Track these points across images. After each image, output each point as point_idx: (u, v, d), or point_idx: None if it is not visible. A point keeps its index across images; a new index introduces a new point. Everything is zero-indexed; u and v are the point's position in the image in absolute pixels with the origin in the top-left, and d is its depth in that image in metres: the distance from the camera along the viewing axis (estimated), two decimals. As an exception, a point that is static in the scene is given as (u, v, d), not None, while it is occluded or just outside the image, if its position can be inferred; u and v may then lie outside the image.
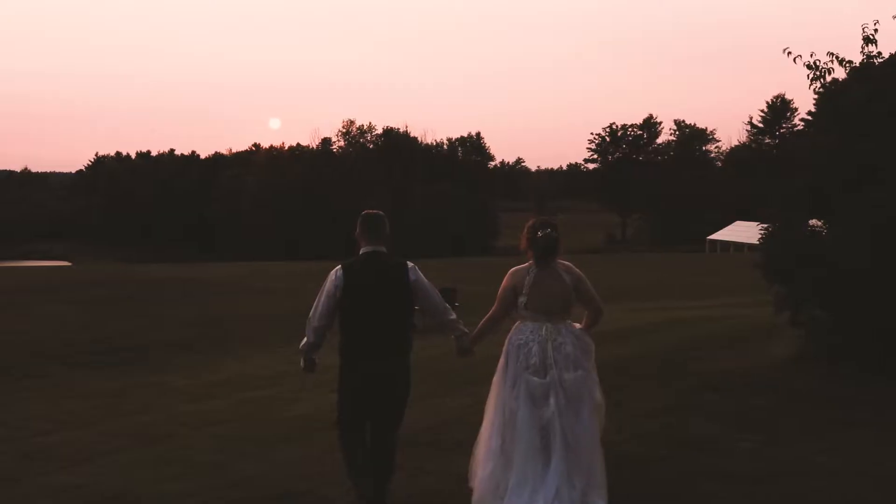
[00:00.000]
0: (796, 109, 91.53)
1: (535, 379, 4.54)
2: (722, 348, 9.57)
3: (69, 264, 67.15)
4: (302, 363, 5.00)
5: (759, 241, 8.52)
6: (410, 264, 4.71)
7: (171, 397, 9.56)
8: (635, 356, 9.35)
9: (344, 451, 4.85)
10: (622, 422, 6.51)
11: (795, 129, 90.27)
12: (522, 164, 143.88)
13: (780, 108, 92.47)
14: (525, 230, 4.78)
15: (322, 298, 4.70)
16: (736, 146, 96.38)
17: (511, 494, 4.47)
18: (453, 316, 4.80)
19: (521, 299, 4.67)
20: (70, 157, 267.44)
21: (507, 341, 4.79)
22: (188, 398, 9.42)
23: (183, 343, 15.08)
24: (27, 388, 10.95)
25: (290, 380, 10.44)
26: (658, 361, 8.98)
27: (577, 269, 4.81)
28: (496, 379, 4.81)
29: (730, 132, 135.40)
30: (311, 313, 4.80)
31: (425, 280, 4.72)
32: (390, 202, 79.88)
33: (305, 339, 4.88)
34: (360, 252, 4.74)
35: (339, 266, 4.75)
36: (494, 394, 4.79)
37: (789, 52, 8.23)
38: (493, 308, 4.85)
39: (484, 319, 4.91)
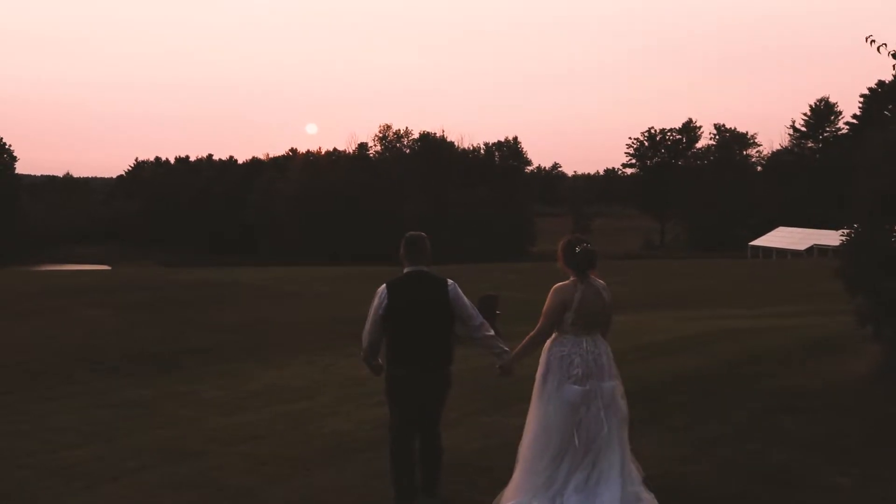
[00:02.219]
0: (840, 113, 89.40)
1: (576, 387, 4.70)
2: (790, 363, 8.75)
3: (108, 268, 67.91)
4: (368, 369, 5.27)
5: (839, 247, 7.78)
6: (450, 282, 4.98)
7: (203, 409, 9.13)
8: (696, 371, 8.61)
9: (392, 452, 5.08)
10: (694, 449, 5.84)
11: (840, 132, 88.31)
12: (559, 168, 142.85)
13: (823, 111, 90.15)
14: (560, 249, 4.92)
15: (370, 314, 5.02)
16: (778, 150, 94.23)
17: (538, 494, 4.65)
18: (491, 332, 5.00)
19: (569, 315, 4.77)
20: (110, 162, 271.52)
21: (545, 354, 4.89)
22: (220, 410, 8.97)
23: (217, 350, 14.71)
24: (57, 397, 10.65)
25: (326, 391, 9.98)
26: (723, 377, 8.22)
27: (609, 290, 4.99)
28: (535, 391, 4.91)
29: (771, 136, 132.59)
30: (364, 328, 5.10)
31: (464, 297, 4.98)
32: (427, 207, 79.71)
33: (363, 351, 5.18)
34: (405, 271, 5.04)
35: (385, 284, 5.04)
36: (534, 405, 4.92)
37: (872, 41, 7.49)
38: (540, 324, 4.89)
39: (529, 336, 4.95)
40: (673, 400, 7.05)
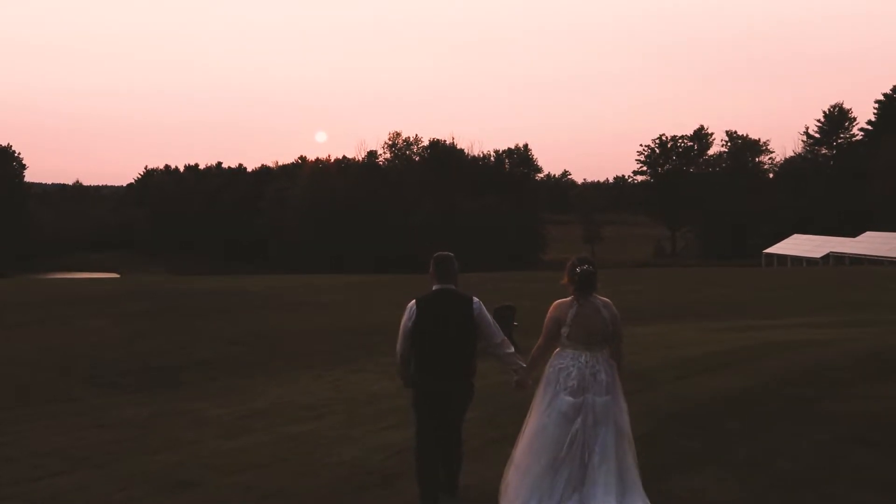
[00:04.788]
0: (855, 119, 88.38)
1: (570, 399, 4.91)
2: (847, 383, 7.91)
3: (117, 276, 67.55)
4: (401, 380, 5.56)
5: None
6: (476, 300, 5.29)
7: (203, 430, 8.48)
8: (745, 392, 7.78)
9: (417, 456, 5.31)
10: (766, 490, 5.07)
11: (854, 138, 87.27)
12: (569, 176, 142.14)
13: (837, 117, 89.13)
14: (566, 268, 5.12)
15: (401, 329, 5.30)
16: (791, 157, 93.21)
17: (527, 499, 4.82)
18: (511, 349, 5.30)
19: (564, 330, 5.01)
20: (120, 170, 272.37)
21: (547, 366, 5.13)
22: (221, 432, 8.31)
23: (222, 363, 14.09)
24: (51, 415, 10.05)
25: (335, 409, 9.33)
26: (777, 400, 7.35)
27: (614, 308, 5.07)
28: (535, 399, 5.12)
29: (784, 143, 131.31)
30: (397, 341, 5.39)
31: (488, 316, 5.28)
32: (436, 215, 79.07)
33: (396, 364, 5.55)
34: (433, 288, 5.35)
35: (414, 301, 5.32)
36: (532, 412, 5.10)
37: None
38: (541, 339, 5.17)
39: (534, 350, 5.23)
40: (728, 428, 6.27)
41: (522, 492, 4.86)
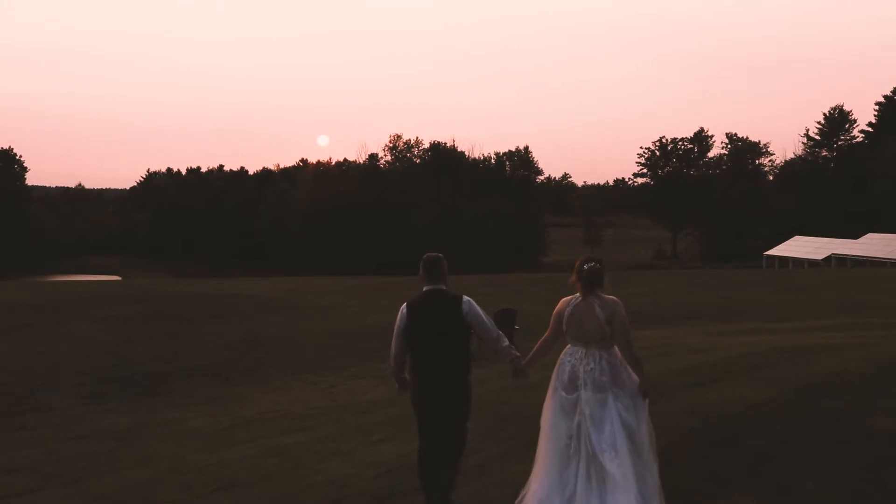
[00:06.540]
0: (855, 121, 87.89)
1: (564, 394, 5.02)
2: (879, 394, 7.26)
3: (118, 278, 67.10)
4: (396, 385, 5.54)
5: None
6: (465, 298, 5.30)
7: (184, 443, 7.98)
8: (763, 403, 7.16)
9: (419, 457, 5.29)
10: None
11: (854, 140, 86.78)
12: (569, 178, 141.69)
13: (838, 119, 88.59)
14: (575, 266, 5.17)
15: (395, 331, 5.36)
16: (791, 159, 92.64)
17: (536, 492, 4.90)
18: (507, 343, 5.28)
19: (563, 327, 5.11)
20: (123, 173, 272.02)
21: (557, 361, 5.18)
22: (204, 444, 7.81)
23: (213, 369, 13.57)
24: (26, 426, 9.54)
25: (326, 419, 8.84)
26: (800, 412, 6.74)
27: (618, 306, 5.03)
28: (546, 395, 5.18)
29: (784, 145, 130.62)
30: (391, 344, 5.43)
31: (479, 312, 5.27)
32: (437, 217, 78.65)
33: (390, 366, 5.49)
34: (423, 289, 5.38)
35: (405, 303, 5.38)
36: (544, 407, 5.17)
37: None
38: (547, 332, 5.25)
39: (538, 342, 5.28)
40: (750, 444, 5.74)
41: (536, 479, 4.95)
